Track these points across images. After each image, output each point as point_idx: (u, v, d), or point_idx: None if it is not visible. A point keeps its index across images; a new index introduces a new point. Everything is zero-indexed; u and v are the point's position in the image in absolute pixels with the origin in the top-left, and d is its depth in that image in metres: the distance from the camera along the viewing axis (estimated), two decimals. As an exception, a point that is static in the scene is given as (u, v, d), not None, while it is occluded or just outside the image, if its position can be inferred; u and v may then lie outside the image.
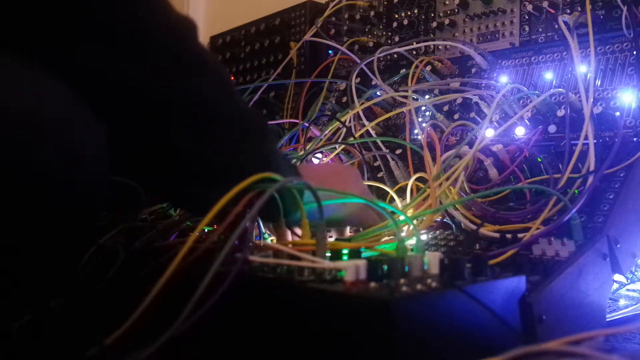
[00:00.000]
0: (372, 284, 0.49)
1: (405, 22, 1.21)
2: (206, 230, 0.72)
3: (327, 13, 1.33)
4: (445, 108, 1.04)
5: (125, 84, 0.58)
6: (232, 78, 1.60)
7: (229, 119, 0.64)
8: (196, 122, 0.62)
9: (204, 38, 1.82)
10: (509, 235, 0.71)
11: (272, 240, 0.77)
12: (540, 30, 1.00)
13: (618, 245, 0.69)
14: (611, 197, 0.74)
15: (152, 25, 0.59)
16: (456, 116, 1.03)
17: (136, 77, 0.58)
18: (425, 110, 1.07)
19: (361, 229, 0.82)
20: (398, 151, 1.04)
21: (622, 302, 0.82)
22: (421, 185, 0.88)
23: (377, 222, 0.81)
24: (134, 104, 0.59)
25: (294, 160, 0.96)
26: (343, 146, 1.06)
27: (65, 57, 0.56)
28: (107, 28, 0.57)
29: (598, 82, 0.89)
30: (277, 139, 0.70)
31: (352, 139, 1.06)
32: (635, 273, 0.84)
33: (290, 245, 0.60)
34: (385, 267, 0.51)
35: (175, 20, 0.62)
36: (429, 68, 1.10)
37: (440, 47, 1.14)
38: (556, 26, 0.97)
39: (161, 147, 0.61)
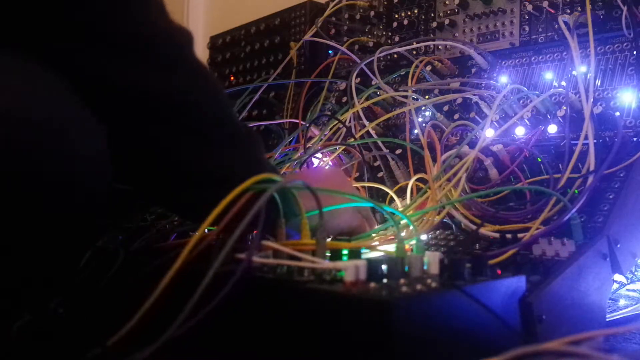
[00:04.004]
0: (372, 285, 0.49)
1: (405, 22, 1.20)
2: (207, 231, 0.72)
3: (327, 13, 1.33)
4: (445, 108, 1.04)
5: (123, 87, 0.58)
6: (232, 78, 1.60)
7: (222, 127, 0.65)
8: (190, 127, 0.63)
9: (204, 38, 1.81)
10: (509, 235, 0.71)
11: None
12: (540, 30, 1.00)
13: (618, 245, 0.69)
14: (611, 197, 0.73)
15: (151, 32, 0.61)
16: (456, 116, 1.03)
17: (132, 81, 0.59)
18: (425, 110, 1.07)
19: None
20: (398, 151, 1.04)
21: (622, 302, 0.82)
22: (422, 185, 0.88)
23: (366, 228, 0.81)
24: (131, 107, 0.59)
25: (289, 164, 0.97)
26: (343, 146, 1.06)
27: (65, 59, 0.56)
28: (108, 33, 0.58)
29: (598, 82, 0.89)
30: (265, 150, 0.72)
31: (352, 139, 1.06)
32: (635, 273, 0.84)
33: (290, 245, 0.60)
34: (385, 267, 0.51)
35: (173, 29, 0.63)
36: (429, 68, 1.10)
37: (440, 47, 1.14)
38: (556, 26, 0.97)
39: (156, 151, 0.62)
